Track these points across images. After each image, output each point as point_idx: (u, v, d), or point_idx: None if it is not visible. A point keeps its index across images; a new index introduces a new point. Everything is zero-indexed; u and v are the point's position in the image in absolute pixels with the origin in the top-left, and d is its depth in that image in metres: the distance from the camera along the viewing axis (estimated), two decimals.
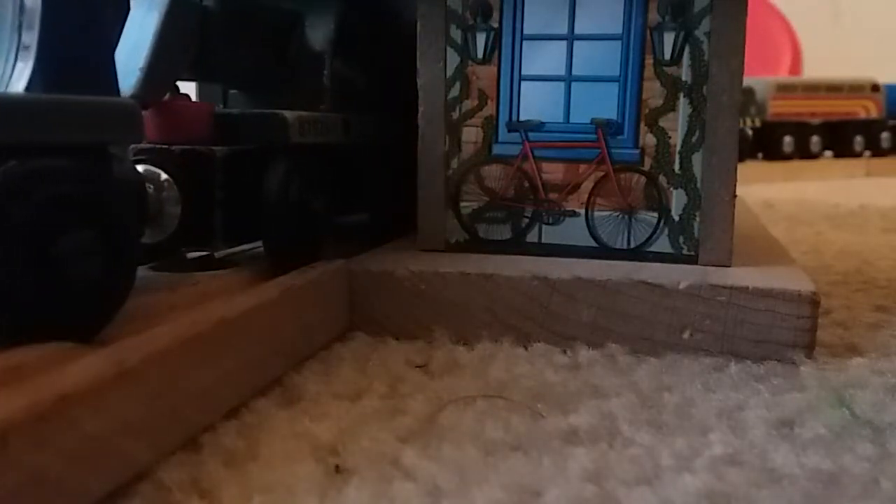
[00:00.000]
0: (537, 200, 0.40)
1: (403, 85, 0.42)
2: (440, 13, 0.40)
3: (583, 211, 0.40)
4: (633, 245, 0.39)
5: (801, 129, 1.68)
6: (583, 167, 0.39)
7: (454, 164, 0.40)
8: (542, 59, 0.39)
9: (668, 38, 0.37)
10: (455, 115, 0.40)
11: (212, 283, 0.32)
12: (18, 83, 0.23)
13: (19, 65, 0.23)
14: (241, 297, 0.30)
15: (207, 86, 0.43)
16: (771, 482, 0.23)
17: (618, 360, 0.33)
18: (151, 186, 0.31)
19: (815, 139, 1.69)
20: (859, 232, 0.78)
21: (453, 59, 0.40)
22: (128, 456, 0.22)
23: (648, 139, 0.38)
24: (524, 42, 0.40)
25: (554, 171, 0.40)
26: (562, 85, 0.39)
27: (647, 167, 0.39)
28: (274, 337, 0.30)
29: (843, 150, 1.74)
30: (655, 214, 0.39)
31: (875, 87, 1.77)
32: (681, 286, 0.34)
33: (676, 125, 0.38)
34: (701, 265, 0.38)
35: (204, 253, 0.36)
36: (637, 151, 0.39)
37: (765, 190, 1.21)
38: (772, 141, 1.65)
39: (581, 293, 0.35)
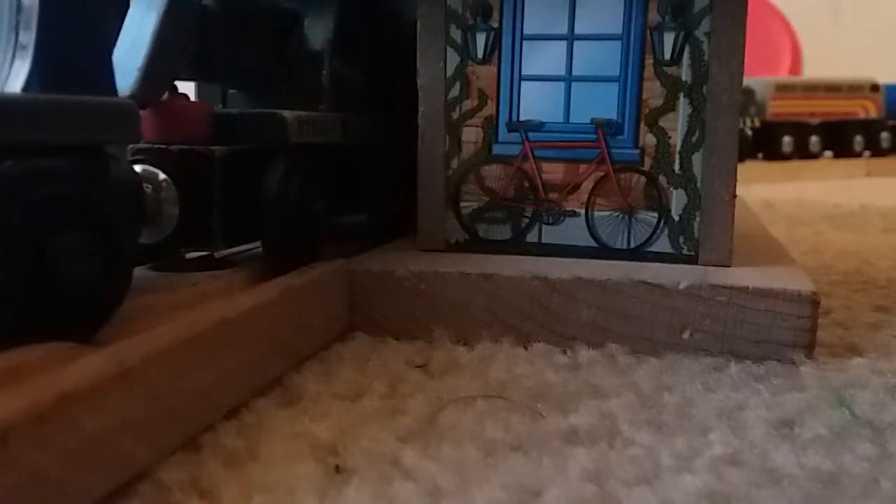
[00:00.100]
0: (537, 200, 0.40)
1: (403, 85, 0.42)
2: (440, 13, 0.40)
3: (583, 211, 0.40)
4: (633, 245, 0.39)
5: (800, 130, 1.68)
6: (583, 167, 0.39)
7: (454, 164, 0.40)
8: (542, 59, 0.39)
9: (668, 38, 0.37)
10: (455, 115, 0.40)
11: (212, 283, 0.32)
12: (15, 83, 0.23)
13: (16, 64, 0.23)
14: (241, 297, 0.30)
15: (207, 85, 0.43)
16: (771, 482, 0.23)
17: (618, 360, 0.33)
18: (149, 186, 0.31)
19: (814, 139, 1.69)
20: (859, 232, 0.78)
21: (453, 59, 0.40)
22: (128, 456, 0.22)
23: (648, 139, 0.38)
24: (524, 42, 0.40)
25: (554, 171, 0.40)
26: (562, 85, 0.39)
27: (647, 167, 0.39)
28: (274, 337, 0.30)
29: (842, 150, 1.73)
30: (655, 214, 0.39)
31: (874, 87, 1.77)
32: (681, 286, 0.34)
33: (676, 125, 0.38)
34: (701, 265, 0.38)
35: (204, 253, 0.36)
36: (637, 151, 0.39)
37: (765, 190, 1.21)
38: (771, 141, 1.65)
39: (581, 293, 0.35)
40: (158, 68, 0.32)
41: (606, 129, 0.39)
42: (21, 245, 0.22)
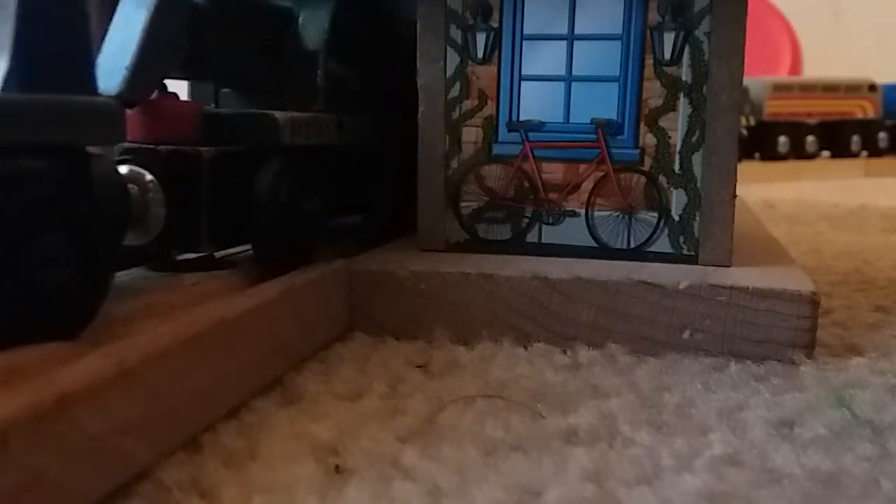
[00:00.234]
0: (537, 200, 0.40)
1: (400, 85, 0.42)
2: (440, 13, 0.39)
3: (583, 211, 0.40)
4: (633, 245, 0.39)
5: (796, 129, 1.68)
6: (583, 167, 0.39)
7: (454, 164, 0.40)
8: (542, 59, 0.39)
9: (668, 38, 0.37)
10: (455, 115, 0.40)
11: (212, 283, 0.32)
12: None
13: None
14: (241, 297, 0.30)
15: (200, 85, 0.43)
16: (771, 482, 0.23)
17: (618, 360, 0.33)
18: (135, 187, 0.31)
19: (810, 139, 1.69)
20: (859, 232, 0.78)
21: (453, 59, 0.40)
22: (128, 456, 0.22)
23: (648, 139, 0.38)
24: (524, 42, 0.40)
25: (554, 171, 0.40)
26: (562, 85, 0.39)
27: (647, 167, 0.39)
28: (274, 337, 0.30)
29: (839, 150, 1.74)
30: (655, 214, 0.39)
31: (872, 87, 1.77)
32: (681, 286, 0.34)
33: (676, 125, 0.38)
34: (701, 265, 0.38)
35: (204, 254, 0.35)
36: (637, 151, 0.39)
37: (764, 190, 1.21)
38: (767, 141, 1.65)
39: (581, 293, 0.35)
40: (147, 67, 0.31)
41: (606, 129, 0.39)
42: None
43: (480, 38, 0.40)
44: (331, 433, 0.26)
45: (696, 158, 0.38)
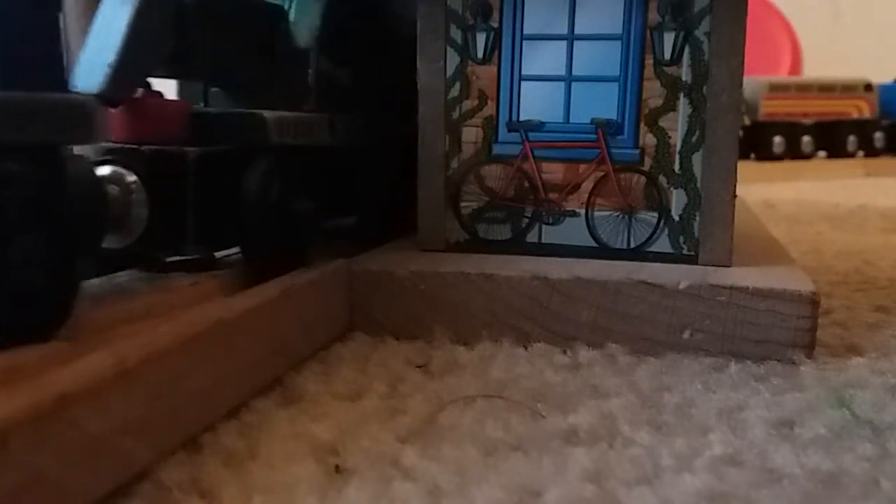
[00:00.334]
0: (537, 200, 0.40)
1: (395, 83, 0.41)
2: (440, 13, 0.39)
3: (583, 211, 0.40)
4: (633, 245, 0.39)
5: (792, 130, 1.68)
6: (583, 167, 0.39)
7: (454, 164, 0.40)
8: (542, 59, 0.39)
9: (668, 38, 0.37)
10: (455, 115, 0.40)
11: (211, 283, 0.32)
12: None
13: None
14: (241, 297, 0.30)
15: (190, 84, 0.41)
16: (771, 482, 0.23)
17: (618, 360, 0.33)
18: (116, 188, 0.30)
19: (806, 139, 1.69)
20: (859, 232, 0.78)
21: (453, 59, 0.40)
22: (128, 456, 0.22)
23: (648, 139, 0.38)
24: (524, 42, 0.39)
25: (554, 171, 0.40)
26: (562, 85, 0.39)
27: (647, 167, 0.39)
28: (274, 337, 0.30)
29: (835, 150, 1.73)
30: (655, 214, 0.39)
31: (868, 87, 1.77)
32: (681, 286, 0.34)
33: (676, 125, 0.38)
34: (701, 265, 0.38)
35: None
36: (637, 151, 0.39)
37: (764, 190, 1.21)
38: (763, 141, 1.65)
39: (581, 293, 0.35)
40: (131, 65, 0.30)
41: (606, 129, 0.39)
42: None
43: (480, 38, 0.40)
44: (331, 433, 0.26)
45: (696, 158, 0.38)
